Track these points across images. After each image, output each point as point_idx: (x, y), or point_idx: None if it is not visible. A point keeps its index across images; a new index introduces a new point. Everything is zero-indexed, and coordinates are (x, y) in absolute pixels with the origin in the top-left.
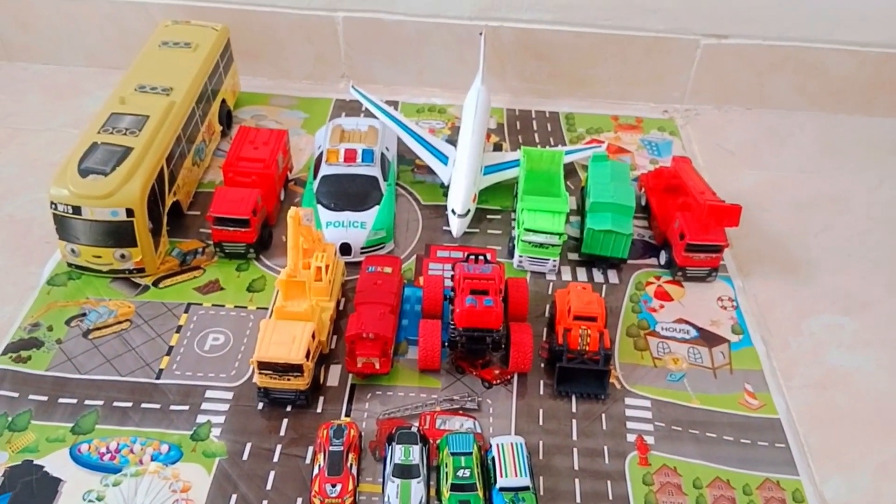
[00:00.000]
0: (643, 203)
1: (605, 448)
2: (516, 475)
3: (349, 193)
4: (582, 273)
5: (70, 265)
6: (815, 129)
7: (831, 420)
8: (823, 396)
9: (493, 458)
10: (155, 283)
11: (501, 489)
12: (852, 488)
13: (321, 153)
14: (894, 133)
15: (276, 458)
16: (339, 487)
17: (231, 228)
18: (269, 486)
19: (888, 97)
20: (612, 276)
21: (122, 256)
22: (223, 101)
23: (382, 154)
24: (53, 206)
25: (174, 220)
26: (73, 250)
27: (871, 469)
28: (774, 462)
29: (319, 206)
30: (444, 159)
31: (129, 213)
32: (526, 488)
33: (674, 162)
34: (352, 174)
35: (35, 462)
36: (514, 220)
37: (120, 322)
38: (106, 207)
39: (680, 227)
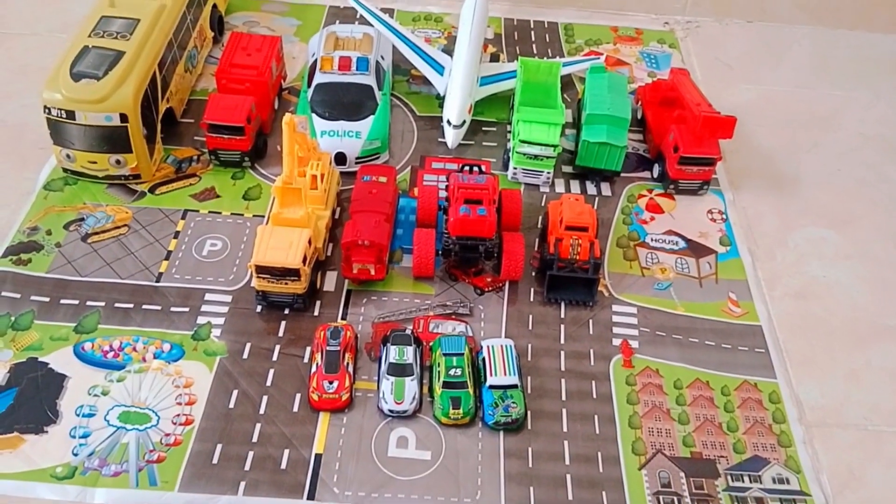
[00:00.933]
0: (639, 116)
1: (591, 351)
2: (505, 374)
3: (344, 102)
4: (575, 185)
5: (65, 171)
6: (814, 43)
7: (809, 328)
8: (803, 306)
9: (483, 359)
10: (151, 190)
11: (491, 387)
12: (825, 392)
13: (315, 61)
14: (891, 50)
15: (275, 357)
16: (335, 384)
17: (226, 136)
18: (269, 383)
19: (887, 12)
20: (605, 189)
21: (118, 162)
22: (214, 5)
23: (378, 62)
24: (47, 110)
25: (168, 127)
26: (68, 155)
27: (842, 375)
28: (753, 366)
29: (314, 115)
30: (439, 69)
31: (123, 118)
32: (514, 386)
33: (671, 74)
34: (346, 83)
35: (40, 359)
36: (510, 132)
37: (118, 227)
38: (100, 112)
39: (674, 140)
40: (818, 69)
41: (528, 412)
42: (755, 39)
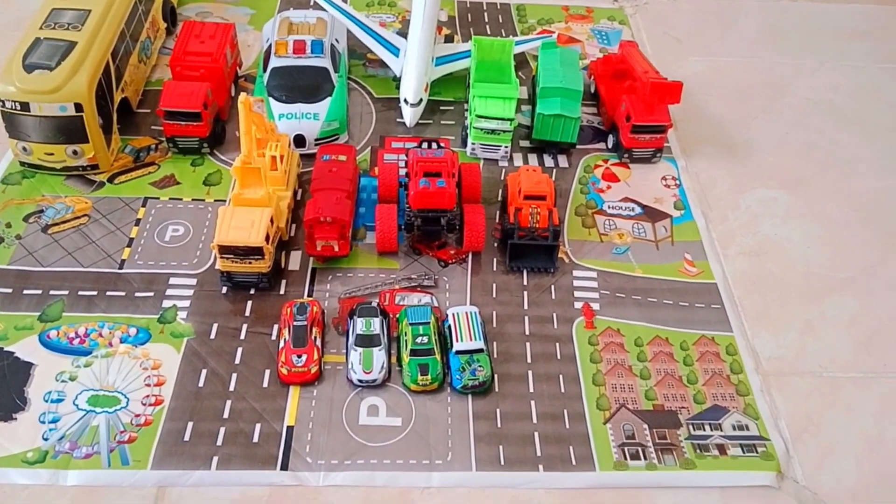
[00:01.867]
0: (592, 91)
1: (554, 315)
2: (471, 339)
3: (300, 85)
4: (533, 159)
5: (23, 164)
6: (760, 14)
7: (763, 284)
8: (757, 263)
9: (449, 326)
10: (110, 180)
11: (457, 352)
12: (780, 343)
13: (270, 46)
14: (836, 18)
15: (242, 336)
16: (304, 358)
17: (183, 122)
18: (237, 361)
19: None
20: (562, 161)
21: (75, 153)
22: None
23: (332, 45)
24: (1, 103)
25: (124, 117)
26: (24, 148)
27: (797, 327)
28: (710, 321)
29: (271, 99)
30: (395, 51)
31: (78, 107)
32: (480, 350)
33: (621, 47)
34: (302, 66)
35: (5, 349)
36: (467, 109)
37: (78, 217)
38: (54, 102)
39: (626, 110)
40: (765, 39)
41: (495, 375)
42: (703, 14)
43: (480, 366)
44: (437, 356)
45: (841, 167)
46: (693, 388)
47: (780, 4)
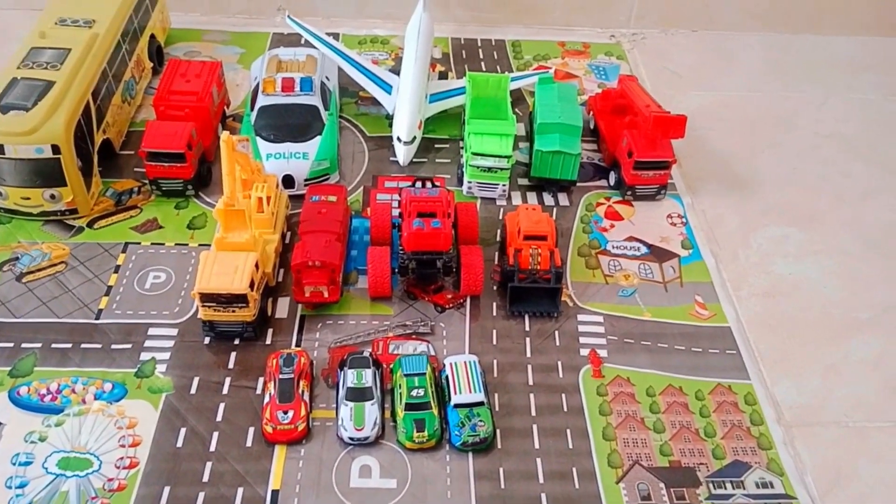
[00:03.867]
0: (591, 126)
1: (559, 363)
2: (470, 391)
3: (289, 124)
4: (532, 197)
5: None
6: (762, 48)
7: (780, 326)
8: (772, 304)
9: (446, 377)
10: (90, 225)
11: (456, 406)
12: (801, 391)
13: (257, 84)
14: (841, 51)
15: (225, 391)
16: (290, 414)
17: (166, 164)
18: (219, 418)
19: (835, 15)
20: (563, 199)
21: (52, 197)
22: (152, 36)
23: (322, 83)
24: None
25: (106, 160)
26: (0, 193)
27: (819, 372)
28: (725, 368)
29: (258, 139)
30: (388, 88)
31: (55, 149)
32: (480, 404)
33: (620, 81)
34: (291, 104)
35: None
36: (462, 147)
37: (55, 265)
38: (30, 144)
39: (628, 145)
40: (769, 73)
41: (497, 430)
42: (702, 48)
43: (481, 420)
44: (434, 410)
45: (855, 201)
46: (711, 441)
47: (781, 38)
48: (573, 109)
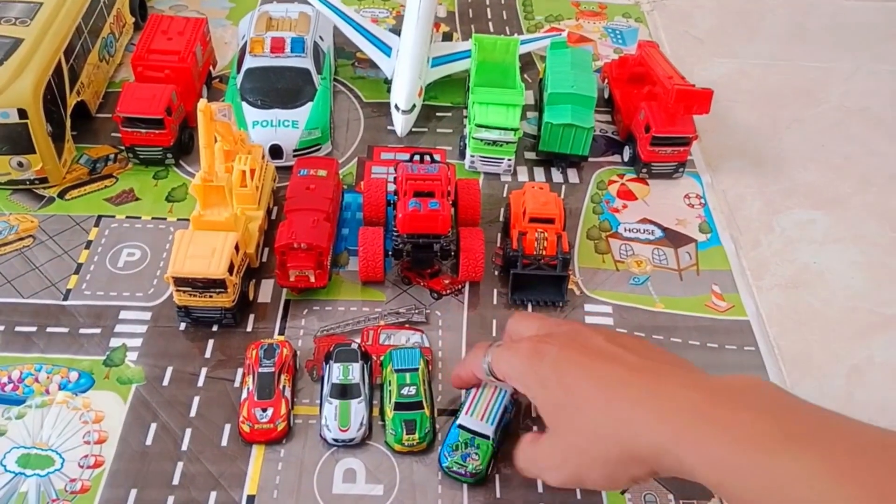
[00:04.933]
0: (606, 96)
1: None
2: (483, 419)
3: (278, 88)
4: (540, 173)
5: None
6: (788, 13)
7: (803, 321)
8: (795, 296)
9: (470, 392)
10: (61, 195)
11: (460, 426)
12: (824, 392)
13: (245, 43)
14: (872, 18)
15: (200, 383)
16: (270, 412)
17: (143, 130)
18: (193, 413)
19: None
20: (573, 176)
21: (20, 164)
22: None
23: (316, 43)
24: None
25: (81, 123)
26: None
27: (843, 372)
28: (743, 366)
29: (244, 104)
30: (387, 51)
31: (22, 113)
32: (485, 437)
33: (639, 48)
34: (280, 66)
35: None
36: (466, 116)
37: (21, 238)
38: None
39: (645, 119)
40: (794, 40)
41: (494, 471)
42: (726, 10)
43: (477, 454)
44: (427, 411)
45: (884, 183)
46: None
47: (808, 2)
48: (587, 78)
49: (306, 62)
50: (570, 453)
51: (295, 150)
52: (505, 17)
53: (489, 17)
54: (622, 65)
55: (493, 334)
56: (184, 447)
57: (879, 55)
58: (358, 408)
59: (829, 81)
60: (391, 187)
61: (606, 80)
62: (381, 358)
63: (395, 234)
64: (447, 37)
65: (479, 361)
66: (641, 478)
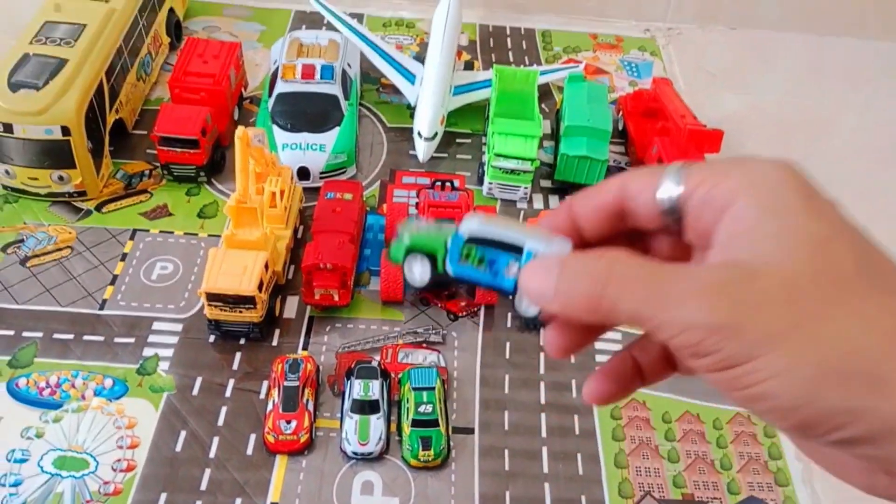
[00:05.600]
0: (620, 128)
1: (573, 382)
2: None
3: (307, 113)
4: (554, 201)
5: (5, 188)
6: (801, 51)
7: None
8: None
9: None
10: (98, 208)
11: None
12: None
13: (277, 69)
14: (884, 56)
15: (228, 393)
16: (294, 424)
17: (179, 149)
18: (220, 422)
19: (879, 18)
20: None
21: (61, 178)
22: (171, 9)
23: (344, 70)
24: None
25: (118, 139)
26: (7, 171)
27: None
28: None
29: (275, 127)
30: (410, 78)
31: (65, 130)
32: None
33: (654, 84)
34: (310, 92)
35: None
36: (485, 144)
37: (60, 249)
38: (39, 125)
39: (658, 153)
40: (807, 77)
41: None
42: (739, 46)
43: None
44: (442, 428)
45: None
46: (727, 475)
47: (823, 40)
48: (603, 112)
49: (335, 89)
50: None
51: (322, 173)
52: (524, 48)
53: (509, 46)
54: (637, 98)
55: (507, 357)
56: (211, 454)
57: (892, 92)
58: (377, 423)
59: (841, 118)
60: (412, 210)
61: (621, 113)
62: (400, 376)
63: None
64: (469, 65)
65: (657, 179)
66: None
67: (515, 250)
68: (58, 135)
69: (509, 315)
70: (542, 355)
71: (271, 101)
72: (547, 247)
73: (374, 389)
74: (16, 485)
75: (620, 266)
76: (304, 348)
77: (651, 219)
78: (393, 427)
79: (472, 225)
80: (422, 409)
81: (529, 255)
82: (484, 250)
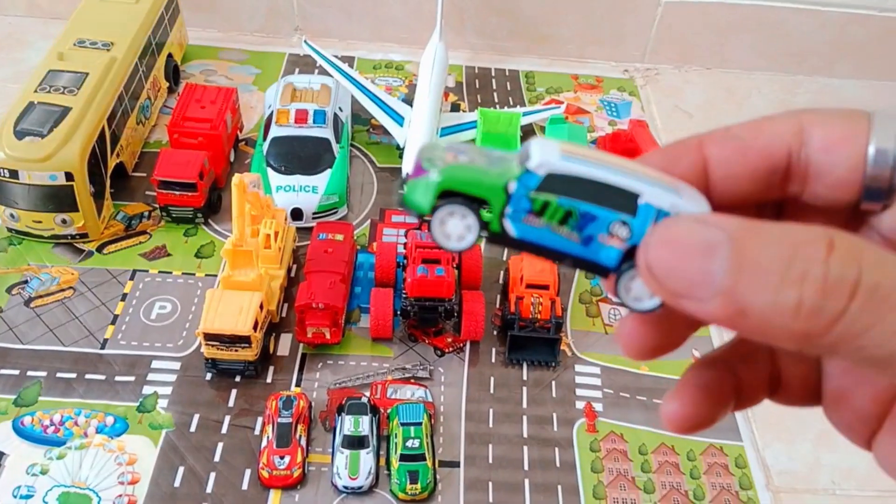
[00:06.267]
0: None
1: (554, 416)
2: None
3: (300, 156)
4: None
5: (10, 230)
6: (774, 90)
7: None
8: None
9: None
10: (99, 249)
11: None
12: (792, 455)
13: (271, 113)
14: (854, 95)
15: (224, 430)
16: (287, 459)
17: (177, 192)
18: (217, 458)
19: (849, 59)
20: None
21: (64, 221)
22: (169, 54)
23: (335, 114)
24: None
25: (118, 182)
26: (12, 215)
27: (811, 437)
28: (718, 428)
29: (269, 170)
30: (399, 120)
31: (69, 176)
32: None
33: (631, 125)
34: (303, 136)
35: None
36: None
37: (63, 290)
38: (44, 171)
39: None
40: None
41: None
42: (714, 86)
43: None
44: (429, 462)
45: None
46: None
47: (794, 79)
48: None
49: (327, 132)
50: None
51: (314, 213)
52: (509, 88)
53: (494, 87)
54: (615, 139)
55: (491, 391)
56: (208, 489)
57: None
58: (367, 458)
59: None
60: (401, 248)
61: None
62: (388, 411)
63: (404, 296)
64: (455, 107)
65: (863, 126)
66: None
67: (617, 202)
68: (62, 180)
69: (494, 350)
70: (524, 389)
71: (266, 145)
72: (680, 201)
73: (364, 425)
74: None
75: (873, 258)
76: (297, 385)
77: (839, 189)
78: (382, 461)
79: (551, 155)
80: (409, 443)
81: (655, 212)
82: (571, 202)
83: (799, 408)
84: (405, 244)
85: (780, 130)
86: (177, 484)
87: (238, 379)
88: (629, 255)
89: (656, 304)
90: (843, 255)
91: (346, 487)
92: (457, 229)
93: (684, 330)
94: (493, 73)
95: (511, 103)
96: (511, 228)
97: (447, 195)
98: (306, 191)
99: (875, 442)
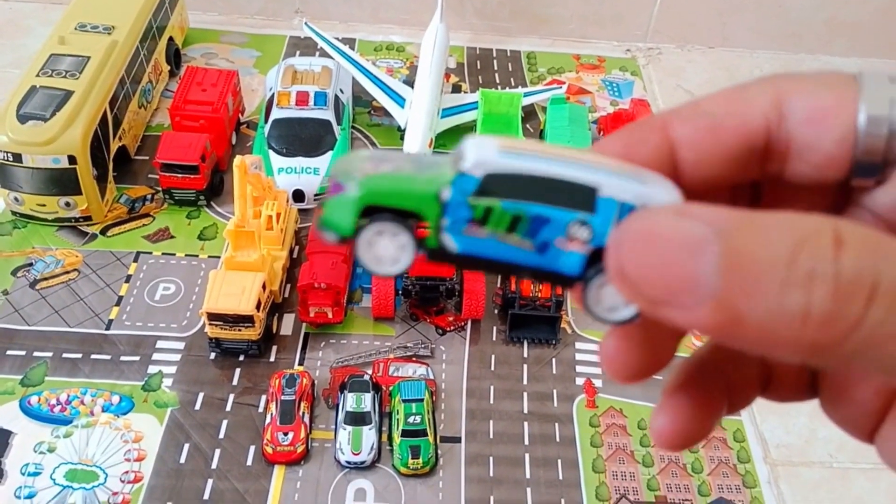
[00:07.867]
0: None
1: (555, 392)
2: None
3: (301, 138)
4: None
5: (14, 214)
6: (776, 68)
7: None
8: None
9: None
10: (103, 232)
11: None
12: (789, 429)
13: (272, 96)
14: (853, 70)
15: (228, 408)
16: (290, 436)
17: (179, 175)
18: (221, 435)
19: (847, 37)
20: None
21: (67, 204)
22: (170, 38)
23: (336, 96)
24: None
25: (121, 165)
26: (16, 198)
27: (806, 411)
28: None
29: (271, 152)
30: (400, 102)
31: (72, 160)
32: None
33: (632, 105)
34: (304, 118)
35: None
36: None
37: (67, 272)
38: (47, 155)
39: None
40: None
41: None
42: (716, 65)
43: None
44: (430, 437)
45: None
46: (698, 477)
47: (795, 58)
48: (583, 133)
49: (328, 114)
50: None
51: (316, 195)
52: (511, 69)
53: (496, 68)
54: (616, 119)
55: (492, 369)
56: (213, 466)
57: None
58: (369, 434)
59: None
60: None
61: (602, 133)
62: (390, 388)
63: (406, 276)
64: (456, 88)
65: (849, 94)
66: None
67: (573, 199)
68: (65, 164)
69: (495, 329)
70: (525, 367)
71: (267, 127)
72: (646, 190)
73: (367, 402)
74: (30, 497)
75: (892, 252)
76: (300, 364)
77: (826, 166)
78: (384, 437)
79: (488, 153)
80: (411, 419)
81: (618, 206)
82: (518, 205)
83: (794, 403)
84: None
85: (756, 103)
86: (182, 460)
87: (241, 358)
88: (595, 259)
89: (633, 313)
90: (856, 250)
91: (348, 462)
92: (388, 251)
93: (672, 342)
94: (494, 54)
95: (513, 84)
96: (451, 243)
97: (372, 212)
98: (308, 173)
99: (878, 436)
